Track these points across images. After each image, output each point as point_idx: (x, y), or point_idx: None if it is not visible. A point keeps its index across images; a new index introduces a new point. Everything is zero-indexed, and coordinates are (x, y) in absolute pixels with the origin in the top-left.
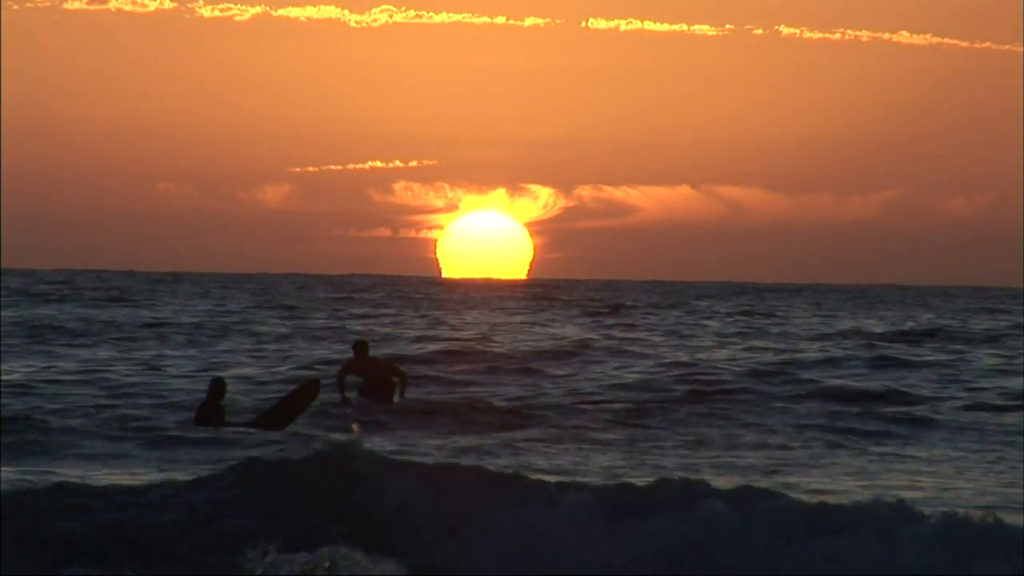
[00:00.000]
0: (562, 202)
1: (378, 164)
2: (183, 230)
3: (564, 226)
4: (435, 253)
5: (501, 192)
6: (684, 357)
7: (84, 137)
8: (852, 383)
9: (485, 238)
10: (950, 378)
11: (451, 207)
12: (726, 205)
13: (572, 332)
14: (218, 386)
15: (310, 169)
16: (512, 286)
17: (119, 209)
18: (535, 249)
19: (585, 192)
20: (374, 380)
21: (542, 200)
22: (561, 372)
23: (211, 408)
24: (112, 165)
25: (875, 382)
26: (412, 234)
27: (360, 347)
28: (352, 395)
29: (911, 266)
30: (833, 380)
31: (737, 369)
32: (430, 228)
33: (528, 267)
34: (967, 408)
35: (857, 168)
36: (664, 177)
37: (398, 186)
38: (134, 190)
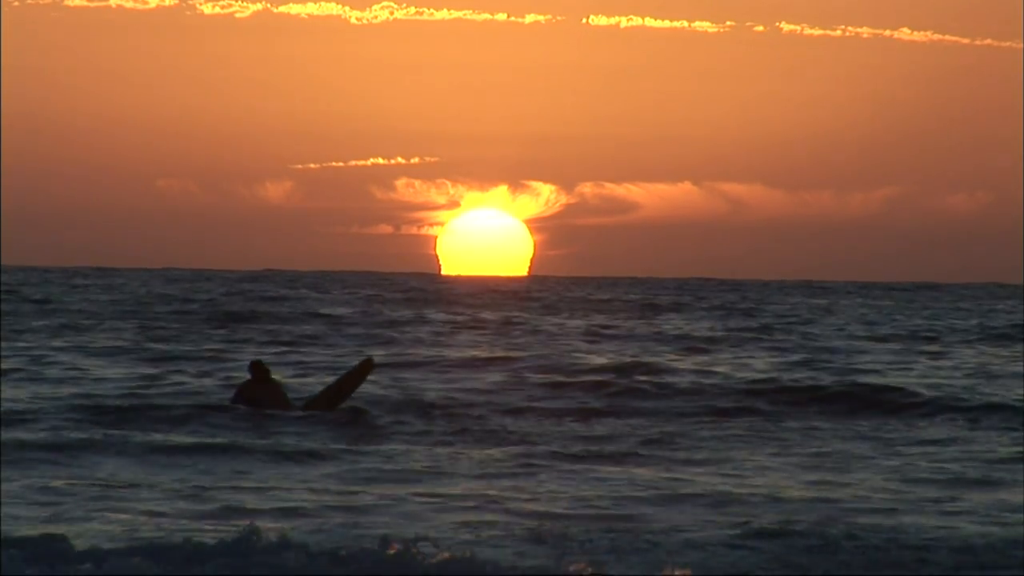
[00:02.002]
0: (563, 199)
1: (380, 161)
2: (184, 227)
3: (565, 223)
4: (436, 250)
5: (503, 189)
6: None
7: (84, 133)
8: None
9: (486, 235)
10: None
11: (452, 204)
12: (728, 202)
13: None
14: (257, 368)
15: (311, 166)
16: (511, 283)
17: (120, 205)
18: (536, 246)
19: (587, 189)
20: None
21: (543, 197)
22: None
23: (252, 389)
24: (113, 161)
25: None
26: (414, 231)
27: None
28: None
29: (912, 263)
30: None
31: None
32: (431, 225)
33: (529, 264)
34: None
35: (858, 165)
36: (666, 174)
37: (400, 183)
38: (135, 186)
